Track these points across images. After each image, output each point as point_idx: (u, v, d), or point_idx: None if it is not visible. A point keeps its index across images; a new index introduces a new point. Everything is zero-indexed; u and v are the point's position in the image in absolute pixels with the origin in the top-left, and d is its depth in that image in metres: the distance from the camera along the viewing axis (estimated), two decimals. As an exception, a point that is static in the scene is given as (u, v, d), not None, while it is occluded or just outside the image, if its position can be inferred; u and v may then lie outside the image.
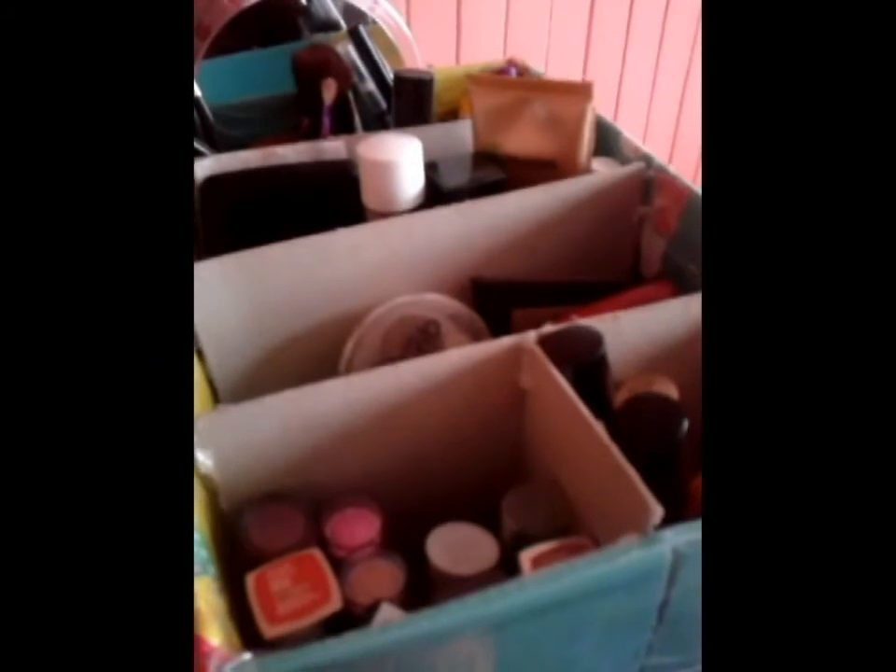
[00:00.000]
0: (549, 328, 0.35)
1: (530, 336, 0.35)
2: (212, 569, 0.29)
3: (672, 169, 0.47)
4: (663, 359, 0.38)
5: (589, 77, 1.25)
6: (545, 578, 0.25)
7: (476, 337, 0.46)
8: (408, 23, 0.68)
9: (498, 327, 0.46)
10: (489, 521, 0.35)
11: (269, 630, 0.29)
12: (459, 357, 0.35)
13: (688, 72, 1.33)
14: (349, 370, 0.44)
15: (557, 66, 1.21)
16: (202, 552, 0.29)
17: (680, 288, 0.45)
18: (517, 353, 0.35)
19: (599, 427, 0.30)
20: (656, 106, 1.36)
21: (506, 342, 0.35)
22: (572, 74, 1.25)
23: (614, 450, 0.29)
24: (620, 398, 0.36)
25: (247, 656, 0.24)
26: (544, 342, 0.34)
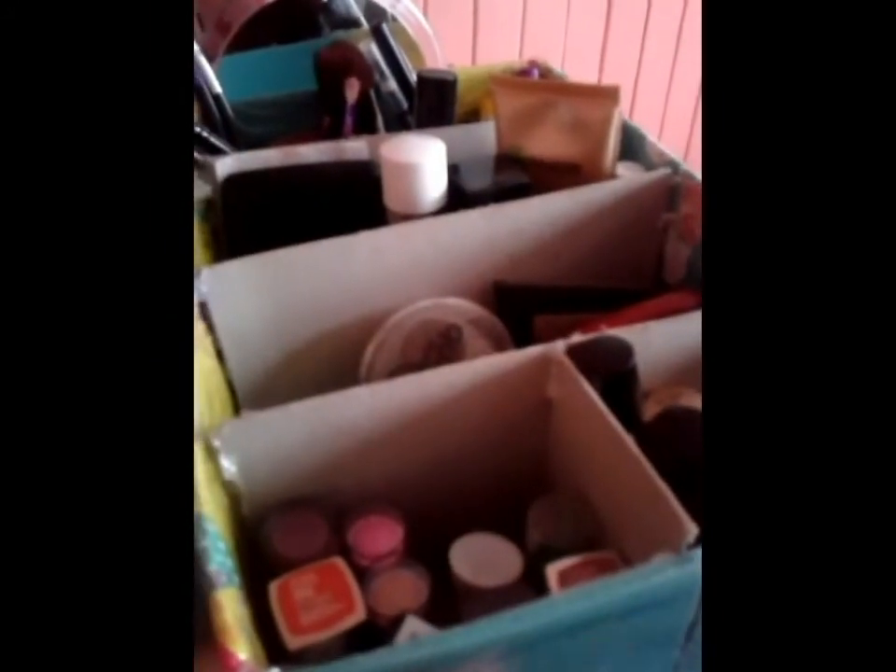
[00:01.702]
0: (577, 338, 0.35)
1: (558, 346, 0.34)
2: (237, 579, 0.29)
3: (699, 175, 0.46)
4: (691, 371, 0.37)
5: (605, 76, 1.24)
6: (577, 595, 0.25)
7: (497, 342, 0.46)
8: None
9: (520, 332, 0.45)
10: (513, 531, 0.35)
11: (292, 641, 0.29)
12: (485, 365, 0.34)
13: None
14: (370, 373, 0.44)
15: (574, 65, 1.20)
16: (227, 561, 0.28)
17: (705, 297, 0.45)
18: (545, 363, 0.34)
19: (630, 441, 0.30)
20: (672, 106, 1.35)
21: (533, 351, 0.34)
22: (589, 72, 1.24)
23: (646, 465, 0.29)
24: (647, 409, 0.36)
25: (275, 671, 0.24)
26: (573, 352, 0.34)
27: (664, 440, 0.30)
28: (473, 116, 0.61)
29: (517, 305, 0.46)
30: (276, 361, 0.44)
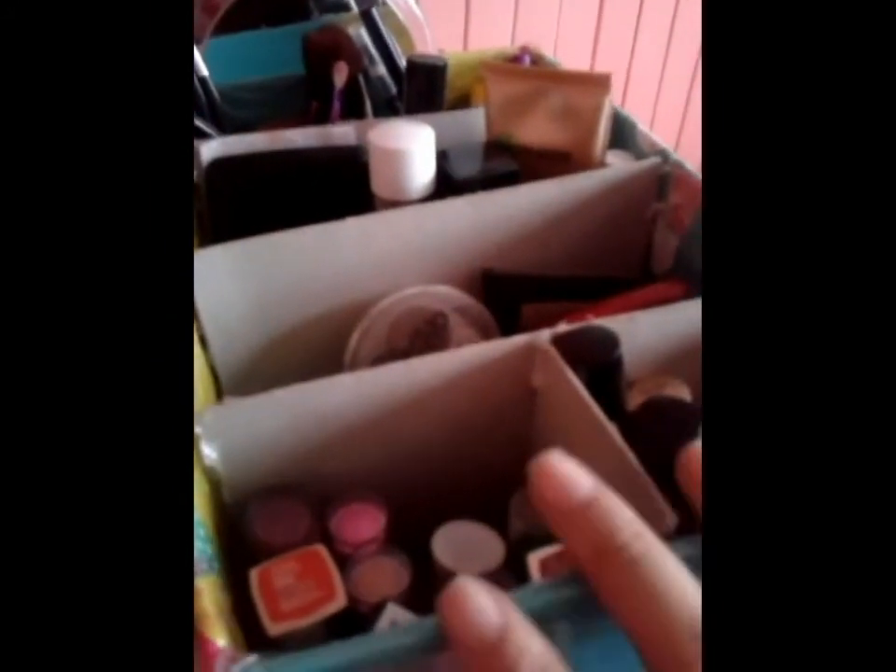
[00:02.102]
0: (563, 327, 0.34)
1: (544, 335, 0.34)
2: (217, 566, 0.28)
3: (689, 165, 0.46)
4: (676, 361, 0.37)
5: (598, 63, 1.24)
6: (559, 583, 0.25)
7: (484, 331, 0.46)
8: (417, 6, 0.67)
9: (508, 320, 0.45)
10: (496, 520, 0.35)
11: (273, 628, 0.29)
12: (471, 354, 0.34)
13: (697, 61, 1.32)
14: (355, 360, 0.44)
15: (566, 52, 1.20)
16: (207, 548, 0.28)
17: (692, 287, 0.45)
18: (530, 352, 0.34)
19: (613, 430, 0.30)
20: (664, 95, 1.35)
21: (519, 340, 0.34)
22: (581, 60, 1.24)
23: (628, 454, 0.29)
24: (632, 399, 0.35)
25: (252, 658, 0.23)
26: (558, 341, 0.34)
27: (647, 429, 0.30)
28: (463, 102, 0.61)
29: (504, 293, 0.46)
30: (260, 347, 0.44)
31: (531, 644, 0.19)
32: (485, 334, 0.45)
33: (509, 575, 0.33)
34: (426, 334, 0.45)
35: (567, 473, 0.21)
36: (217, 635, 0.24)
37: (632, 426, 0.30)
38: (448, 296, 0.45)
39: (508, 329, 0.45)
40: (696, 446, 0.23)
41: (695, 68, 1.33)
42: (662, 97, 1.35)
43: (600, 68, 1.23)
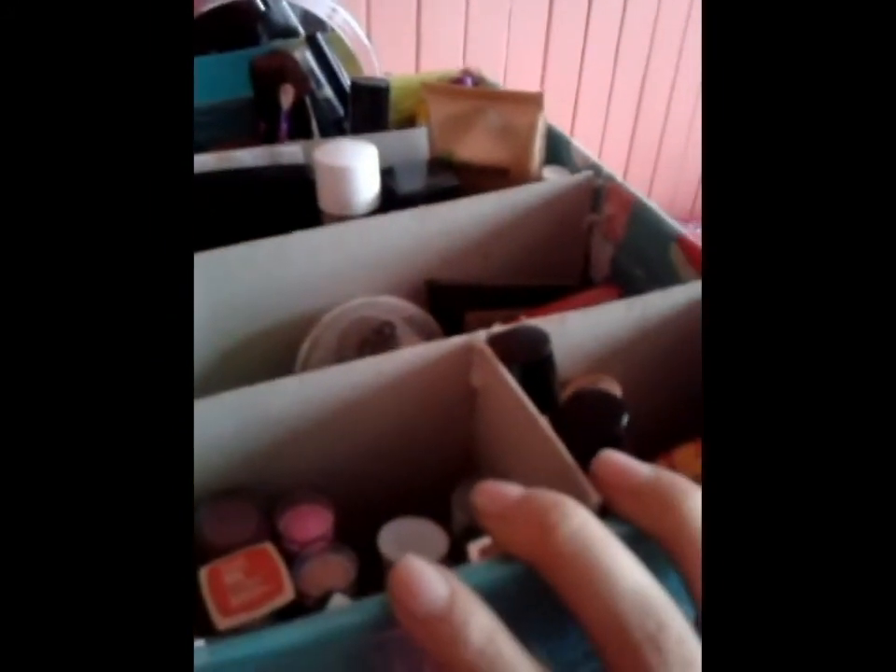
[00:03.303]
0: (498, 327, 0.36)
1: (480, 335, 0.36)
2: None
3: (619, 177, 0.49)
4: (607, 359, 0.39)
5: (547, 87, 1.28)
6: (492, 564, 0.26)
7: (430, 339, 0.47)
8: (368, 32, 0.69)
9: (452, 328, 0.47)
10: (442, 515, 0.36)
11: (222, 622, 0.30)
12: (412, 355, 0.36)
13: (643, 82, 1.37)
14: (304, 370, 0.45)
15: (515, 76, 1.24)
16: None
17: (627, 292, 0.47)
18: (468, 352, 0.36)
19: (543, 421, 0.32)
20: (612, 115, 1.40)
21: (457, 341, 0.36)
22: (530, 84, 1.28)
23: (556, 442, 0.31)
24: (565, 395, 0.37)
25: (200, 643, 0.24)
26: (494, 341, 0.36)
27: (572, 418, 0.32)
28: (410, 123, 0.63)
29: (448, 302, 0.48)
30: (211, 360, 0.45)
31: (477, 611, 0.20)
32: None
33: (452, 565, 0.34)
34: (373, 343, 0.47)
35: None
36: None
37: (560, 416, 0.32)
38: (395, 306, 0.47)
39: (452, 336, 0.46)
40: (607, 455, 0.25)
41: (641, 88, 1.38)
42: (610, 117, 1.39)
43: (549, 89, 1.27)
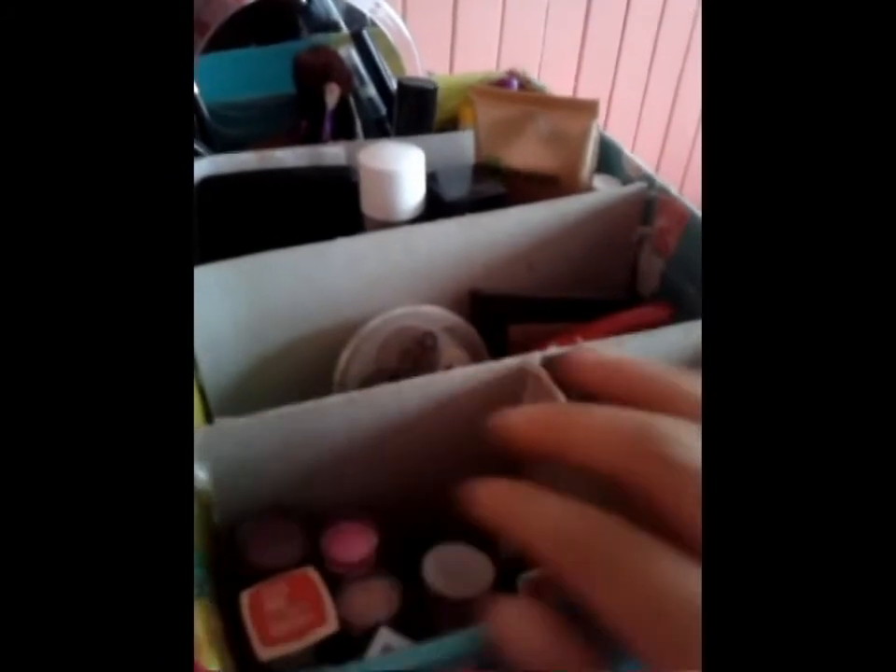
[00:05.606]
0: (553, 350, 0.35)
1: (535, 358, 0.34)
2: (207, 589, 0.28)
3: (674, 190, 0.47)
4: (663, 384, 0.38)
5: (581, 87, 1.26)
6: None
7: (472, 350, 0.46)
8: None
9: (495, 341, 0.46)
10: (487, 543, 0.35)
11: (263, 652, 0.29)
12: (462, 376, 0.34)
13: (678, 83, 1.35)
14: (344, 379, 0.44)
15: (550, 75, 1.22)
16: (197, 570, 0.28)
17: (678, 309, 0.45)
18: (521, 375, 0.35)
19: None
20: (646, 118, 1.38)
21: (510, 363, 0.34)
22: (565, 83, 1.25)
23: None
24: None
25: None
26: (549, 364, 0.34)
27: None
28: (451, 124, 0.61)
29: (492, 314, 0.47)
30: (249, 367, 0.43)
31: None
32: (474, 354, 0.45)
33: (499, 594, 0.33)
34: (414, 354, 0.45)
35: None
36: (209, 660, 0.24)
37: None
38: (437, 316, 0.45)
39: (495, 349, 0.45)
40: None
41: (676, 90, 1.36)
42: (643, 119, 1.37)
43: (583, 90, 1.25)
